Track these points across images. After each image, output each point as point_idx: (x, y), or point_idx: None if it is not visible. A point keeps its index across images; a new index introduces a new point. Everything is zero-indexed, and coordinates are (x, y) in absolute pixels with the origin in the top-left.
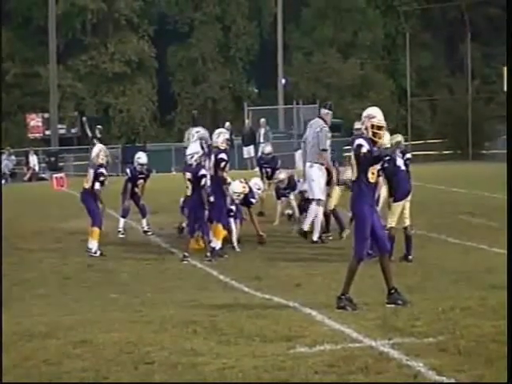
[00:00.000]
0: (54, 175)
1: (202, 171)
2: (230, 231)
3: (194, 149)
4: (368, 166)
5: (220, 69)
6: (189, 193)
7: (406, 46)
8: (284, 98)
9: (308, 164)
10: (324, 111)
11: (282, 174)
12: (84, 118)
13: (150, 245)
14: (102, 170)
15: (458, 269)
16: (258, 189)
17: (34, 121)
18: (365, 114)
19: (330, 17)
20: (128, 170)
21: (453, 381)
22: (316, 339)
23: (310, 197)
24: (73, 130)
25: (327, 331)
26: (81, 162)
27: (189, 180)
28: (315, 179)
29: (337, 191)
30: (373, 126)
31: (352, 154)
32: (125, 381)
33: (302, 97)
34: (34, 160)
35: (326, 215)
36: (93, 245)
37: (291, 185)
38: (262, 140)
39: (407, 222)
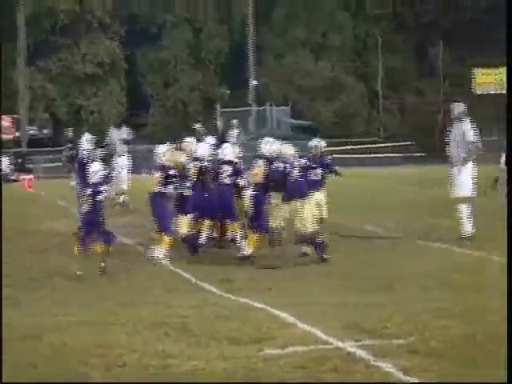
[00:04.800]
0: (23, 177)
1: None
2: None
3: (162, 149)
4: None
5: (190, 71)
6: (157, 190)
7: (378, 49)
8: (256, 100)
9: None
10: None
11: None
12: None
13: (122, 245)
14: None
15: (428, 270)
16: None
17: (5, 122)
18: None
19: (302, 18)
20: None
21: (422, 381)
22: (286, 341)
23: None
24: (44, 131)
25: (298, 333)
26: (51, 164)
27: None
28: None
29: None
30: None
31: None
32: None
33: (273, 99)
34: (5, 161)
35: None
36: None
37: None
38: (234, 141)
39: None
